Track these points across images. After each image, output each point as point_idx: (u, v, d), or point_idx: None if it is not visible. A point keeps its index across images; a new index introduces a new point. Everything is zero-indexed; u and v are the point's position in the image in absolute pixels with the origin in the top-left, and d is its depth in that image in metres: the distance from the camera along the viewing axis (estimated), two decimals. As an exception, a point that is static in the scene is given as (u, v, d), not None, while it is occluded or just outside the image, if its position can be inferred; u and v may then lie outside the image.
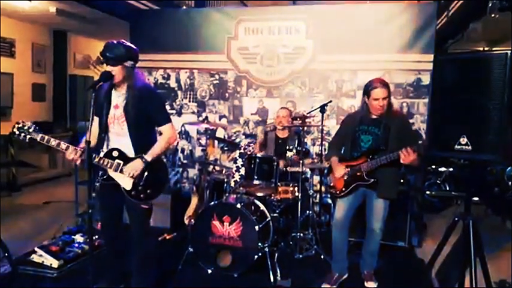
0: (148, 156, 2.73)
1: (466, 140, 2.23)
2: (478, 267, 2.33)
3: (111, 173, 2.75)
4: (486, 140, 2.19)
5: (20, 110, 7.47)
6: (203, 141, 5.26)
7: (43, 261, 3.50)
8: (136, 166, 2.71)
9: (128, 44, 2.72)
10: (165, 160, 3.09)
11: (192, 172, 5.34)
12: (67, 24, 7.67)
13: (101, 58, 2.67)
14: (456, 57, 2.63)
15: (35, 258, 3.55)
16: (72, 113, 8.65)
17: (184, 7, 6.84)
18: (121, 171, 2.72)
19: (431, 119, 3.12)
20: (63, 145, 2.70)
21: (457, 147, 2.27)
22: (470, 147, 2.22)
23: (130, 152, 2.77)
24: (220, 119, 5.26)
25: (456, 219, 2.43)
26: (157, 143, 2.81)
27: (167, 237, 4.34)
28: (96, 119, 2.81)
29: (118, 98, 2.78)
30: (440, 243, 2.52)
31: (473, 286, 2.24)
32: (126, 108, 2.73)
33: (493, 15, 5.14)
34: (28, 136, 2.67)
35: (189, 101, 5.35)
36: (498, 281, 3.22)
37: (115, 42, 2.66)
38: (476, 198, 5.40)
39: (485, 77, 2.21)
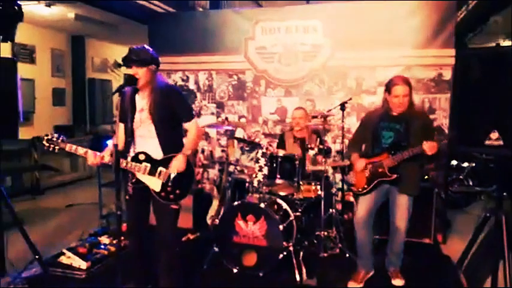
0: (187, 151, 2.81)
1: (497, 134, 2.20)
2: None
3: (140, 176, 2.79)
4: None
5: (41, 115, 7.61)
6: (223, 141, 5.28)
7: (72, 263, 3.57)
8: (181, 160, 2.76)
9: (151, 49, 2.79)
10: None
11: (213, 173, 5.37)
12: (85, 29, 7.78)
13: (124, 61, 2.72)
14: (479, 52, 2.60)
15: (63, 260, 3.62)
16: (91, 116, 8.78)
17: (200, 9, 6.87)
18: (152, 174, 2.76)
19: (458, 114, 3.08)
20: (90, 152, 2.79)
21: (487, 142, 2.24)
22: (501, 142, 2.19)
23: (158, 153, 2.80)
24: (239, 119, 5.27)
25: (488, 215, 2.40)
26: (188, 139, 2.88)
27: (191, 238, 4.38)
28: (121, 125, 2.85)
29: (142, 101, 2.81)
30: (470, 240, 2.50)
31: (509, 282, 2.21)
32: (151, 109, 2.77)
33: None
34: (57, 147, 2.79)
35: (208, 102, 5.38)
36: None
37: (139, 46, 2.74)
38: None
39: (509, 70, 2.18)
